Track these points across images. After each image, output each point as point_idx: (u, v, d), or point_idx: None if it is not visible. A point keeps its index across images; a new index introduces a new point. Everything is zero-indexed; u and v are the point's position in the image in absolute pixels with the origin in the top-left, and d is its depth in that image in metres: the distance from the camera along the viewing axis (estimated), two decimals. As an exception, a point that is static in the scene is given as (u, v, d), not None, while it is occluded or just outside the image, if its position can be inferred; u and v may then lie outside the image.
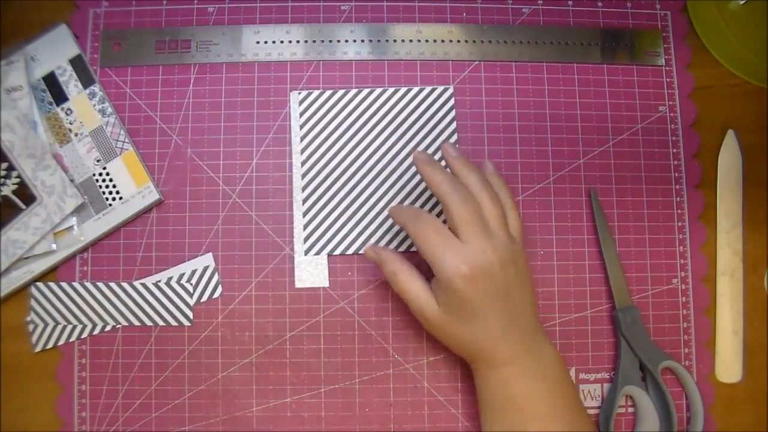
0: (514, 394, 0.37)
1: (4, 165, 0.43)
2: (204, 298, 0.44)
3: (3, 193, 0.43)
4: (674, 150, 0.47)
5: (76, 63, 0.45)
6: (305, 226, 0.44)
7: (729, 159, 0.47)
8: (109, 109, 0.45)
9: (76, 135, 0.45)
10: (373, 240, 0.44)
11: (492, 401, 0.38)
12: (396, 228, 0.45)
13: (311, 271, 0.44)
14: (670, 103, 0.47)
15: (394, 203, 0.45)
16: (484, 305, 0.36)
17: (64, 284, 0.43)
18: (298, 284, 0.44)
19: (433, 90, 0.46)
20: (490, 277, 0.36)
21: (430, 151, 0.46)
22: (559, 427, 0.36)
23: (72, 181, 0.44)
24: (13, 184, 0.43)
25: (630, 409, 0.44)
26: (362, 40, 0.47)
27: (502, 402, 0.37)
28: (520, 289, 0.38)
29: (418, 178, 0.45)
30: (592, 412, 0.44)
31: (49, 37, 0.45)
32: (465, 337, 0.38)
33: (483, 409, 0.39)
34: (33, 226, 0.42)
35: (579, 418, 0.38)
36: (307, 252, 0.44)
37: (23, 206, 0.43)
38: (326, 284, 0.44)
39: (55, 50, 0.45)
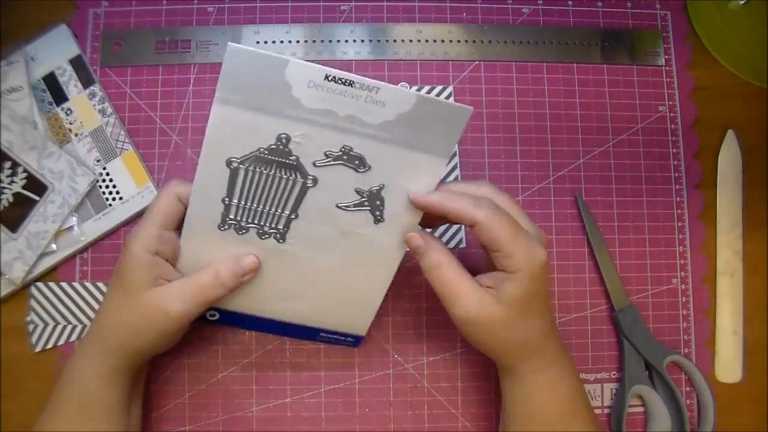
0: (560, 394, 0.36)
1: (8, 164, 0.43)
2: (204, 298, 0.44)
3: (14, 191, 0.43)
4: (674, 150, 0.47)
5: (76, 63, 0.45)
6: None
7: (729, 159, 0.47)
8: (109, 109, 0.45)
9: (76, 135, 0.45)
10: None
11: (533, 405, 0.36)
12: None
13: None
14: (670, 103, 0.47)
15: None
16: (546, 298, 0.35)
17: (64, 284, 0.43)
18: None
19: (432, 89, 0.46)
20: (545, 271, 0.34)
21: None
22: (590, 421, 0.37)
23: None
24: (22, 179, 0.43)
25: (639, 409, 0.44)
26: (362, 40, 0.47)
27: (543, 403, 0.36)
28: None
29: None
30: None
31: (49, 37, 0.45)
32: (524, 335, 0.35)
33: (521, 413, 0.37)
34: (51, 213, 0.43)
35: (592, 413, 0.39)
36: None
37: (36, 198, 0.43)
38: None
39: (55, 50, 0.45)
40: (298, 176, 0.34)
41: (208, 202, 0.35)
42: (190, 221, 0.35)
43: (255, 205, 0.35)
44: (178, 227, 0.36)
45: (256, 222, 0.36)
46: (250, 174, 0.34)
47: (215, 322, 0.40)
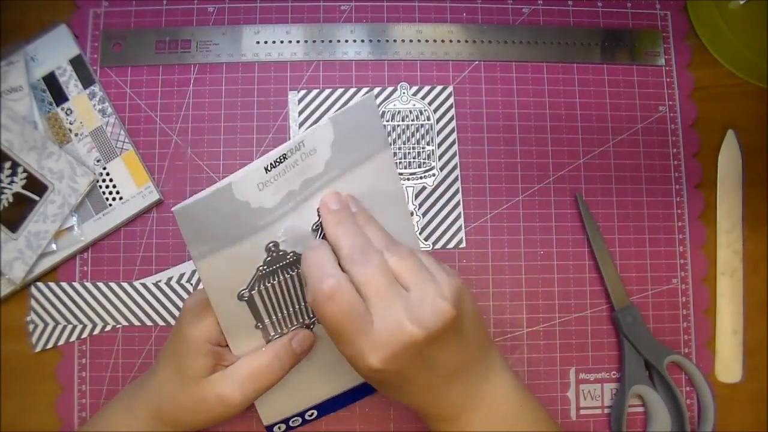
0: None
1: (8, 164, 0.43)
2: (204, 298, 0.44)
3: (14, 191, 0.43)
4: (674, 150, 0.47)
5: (76, 63, 0.45)
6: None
7: (729, 159, 0.47)
8: (109, 109, 0.45)
9: (76, 135, 0.45)
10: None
11: None
12: None
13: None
14: (670, 103, 0.47)
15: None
16: (416, 377, 0.30)
17: (64, 284, 0.43)
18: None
19: (432, 89, 0.46)
20: (416, 352, 0.29)
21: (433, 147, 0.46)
22: None
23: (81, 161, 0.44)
24: (22, 179, 0.43)
25: (639, 409, 0.44)
26: (362, 40, 0.47)
27: None
28: (464, 341, 0.31)
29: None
30: (593, 411, 0.44)
31: (49, 37, 0.45)
32: (398, 399, 0.33)
33: None
34: (51, 213, 0.43)
35: None
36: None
37: (36, 198, 0.43)
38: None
39: (55, 50, 0.45)
40: None
41: (245, 335, 0.36)
42: (238, 354, 0.36)
43: (285, 312, 0.36)
44: None
45: (295, 323, 0.37)
46: (264, 293, 0.35)
47: (315, 420, 0.41)
